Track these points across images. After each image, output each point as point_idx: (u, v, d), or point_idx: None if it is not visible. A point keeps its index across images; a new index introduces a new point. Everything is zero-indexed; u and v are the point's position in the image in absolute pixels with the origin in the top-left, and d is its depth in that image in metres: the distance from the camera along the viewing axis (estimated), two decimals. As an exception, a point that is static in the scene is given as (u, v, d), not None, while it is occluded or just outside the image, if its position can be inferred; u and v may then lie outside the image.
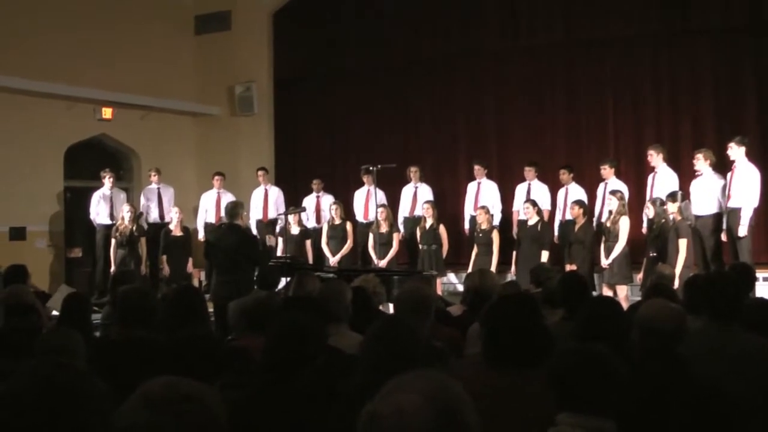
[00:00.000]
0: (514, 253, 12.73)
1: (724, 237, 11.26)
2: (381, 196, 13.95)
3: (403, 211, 14.43)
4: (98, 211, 14.52)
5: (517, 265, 12.49)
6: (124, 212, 13.76)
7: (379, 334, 3.74)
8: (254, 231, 14.70)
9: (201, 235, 15.01)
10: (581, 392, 3.05)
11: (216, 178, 15.27)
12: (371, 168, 13.68)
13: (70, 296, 6.65)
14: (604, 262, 11.51)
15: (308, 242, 14.20)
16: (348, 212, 14.53)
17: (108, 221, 14.32)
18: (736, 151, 11.13)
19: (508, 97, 15.33)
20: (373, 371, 3.52)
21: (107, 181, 14.58)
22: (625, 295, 11.25)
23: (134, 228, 13.70)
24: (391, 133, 16.13)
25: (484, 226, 12.81)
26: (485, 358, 3.89)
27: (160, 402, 1.89)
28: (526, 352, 3.75)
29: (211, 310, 9.25)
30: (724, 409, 3.57)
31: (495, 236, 12.75)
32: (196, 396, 1.94)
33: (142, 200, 15.25)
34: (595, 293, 10.36)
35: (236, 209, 9.99)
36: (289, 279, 9.47)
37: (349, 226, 14.14)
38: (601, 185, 12.78)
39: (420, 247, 13.33)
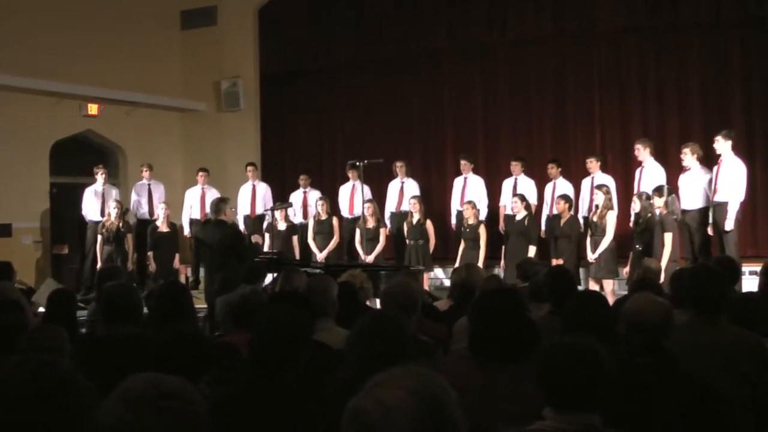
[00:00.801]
0: (503, 248, 12.74)
1: (710, 231, 11.30)
2: (366, 191, 13.96)
3: (390, 206, 14.43)
4: (89, 207, 14.44)
5: (506, 259, 12.49)
6: (111, 208, 13.70)
7: (367, 330, 3.73)
8: (242, 226, 14.73)
9: (186, 231, 15.00)
10: (569, 388, 3.03)
11: (200, 174, 15.23)
12: (357, 163, 13.70)
13: (56, 292, 6.63)
14: (591, 256, 11.53)
15: (295, 238, 14.17)
16: (334, 207, 14.51)
17: (98, 217, 14.22)
18: (722, 145, 11.16)
19: (496, 91, 15.36)
20: (360, 367, 3.52)
21: (100, 177, 14.51)
22: (611, 289, 11.27)
23: (120, 224, 13.64)
24: (378, 129, 16.15)
25: (471, 221, 12.82)
26: (472, 353, 3.89)
27: (140, 399, 1.88)
28: (512, 346, 3.76)
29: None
30: (712, 402, 3.58)
31: (482, 231, 12.75)
32: (177, 392, 1.93)
33: (133, 196, 15.21)
34: (581, 287, 10.39)
35: (220, 205, 9.99)
36: (276, 275, 9.47)
37: (335, 221, 14.11)
38: (587, 179, 12.80)
39: (407, 242, 13.33)
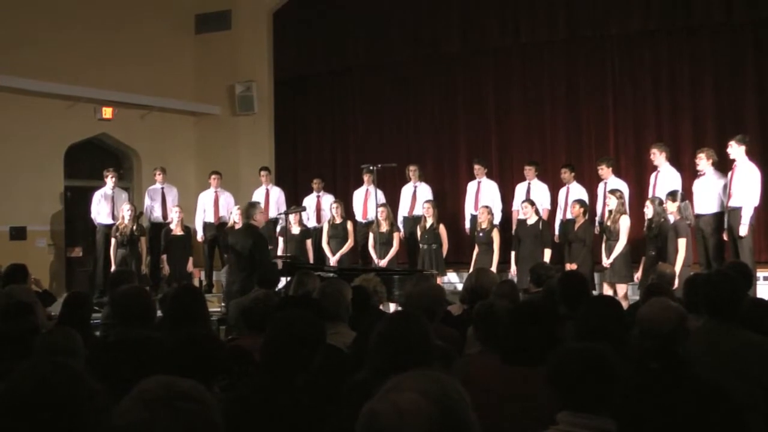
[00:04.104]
0: (513, 252, 12.68)
1: (725, 236, 11.24)
2: (380, 196, 13.95)
3: (403, 211, 14.41)
4: (99, 211, 14.45)
5: (517, 264, 12.45)
6: (125, 211, 13.72)
7: (386, 333, 3.73)
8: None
9: (199, 235, 15.00)
10: (581, 392, 3.05)
11: (213, 177, 15.22)
12: (371, 167, 13.69)
13: (71, 296, 6.64)
14: (605, 261, 11.50)
15: (309, 242, 14.20)
16: (348, 211, 14.51)
17: (109, 221, 14.24)
18: (736, 150, 11.10)
19: (509, 95, 15.33)
20: (378, 370, 3.52)
21: (109, 180, 14.49)
22: (624, 293, 11.25)
23: (134, 227, 13.67)
24: (392, 133, 16.16)
25: (484, 226, 12.80)
26: (502, 355, 3.94)
27: (156, 400, 1.89)
28: (539, 351, 3.78)
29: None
30: (725, 408, 3.56)
31: (495, 235, 12.73)
32: (191, 394, 1.94)
33: (147, 200, 15.23)
34: (595, 292, 10.37)
35: (250, 210, 10.11)
36: (289, 278, 9.50)
37: (349, 225, 14.12)
38: (601, 184, 12.75)
39: (420, 246, 13.32)
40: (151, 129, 16.26)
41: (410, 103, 16.19)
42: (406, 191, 14.48)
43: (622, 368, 3.22)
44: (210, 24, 17.20)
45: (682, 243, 10.48)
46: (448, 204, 15.00)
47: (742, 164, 11.05)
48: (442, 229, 13.30)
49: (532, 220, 12.45)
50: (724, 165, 11.51)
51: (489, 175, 14.22)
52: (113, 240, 13.69)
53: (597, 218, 12.56)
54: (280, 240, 14.13)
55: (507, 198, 14.03)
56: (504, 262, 12.94)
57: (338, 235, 13.99)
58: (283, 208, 14.76)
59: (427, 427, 1.84)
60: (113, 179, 14.57)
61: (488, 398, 3.54)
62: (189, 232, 14.38)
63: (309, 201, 15.10)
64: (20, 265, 8.70)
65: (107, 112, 15.50)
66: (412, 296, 5.51)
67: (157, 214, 15.08)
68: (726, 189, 11.17)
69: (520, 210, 13.12)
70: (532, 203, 12.61)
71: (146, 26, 16.11)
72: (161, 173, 15.15)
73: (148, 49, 16.06)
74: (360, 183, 14.89)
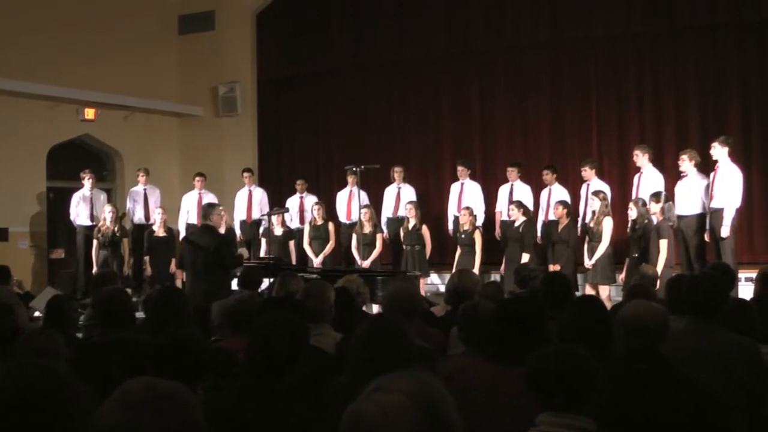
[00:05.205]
0: (505, 254, 12.71)
1: (707, 237, 11.29)
2: (363, 197, 13.93)
3: (387, 212, 14.41)
4: (78, 212, 14.38)
5: (506, 265, 12.46)
6: (106, 213, 13.68)
7: (367, 335, 3.74)
8: (238, 232, 14.72)
9: (182, 237, 14.97)
10: (559, 392, 3.07)
11: (197, 179, 15.17)
12: (354, 168, 13.67)
13: (55, 298, 6.62)
14: (588, 262, 11.53)
15: (292, 243, 14.18)
16: (330, 213, 14.51)
17: (88, 222, 14.21)
18: (719, 151, 11.14)
19: (493, 97, 15.34)
20: (360, 371, 3.52)
21: (87, 182, 14.42)
22: (607, 295, 11.28)
23: (116, 229, 13.63)
24: (375, 134, 16.13)
25: (466, 227, 12.81)
26: (491, 354, 3.95)
27: (138, 402, 1.89)
28: (526, 350, 3.80)
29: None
30: (710, 409, 3.59)
31: (477, 237, 12.74)
32: (174, 396, 1.94)
33: (129, 202, 15.19)
34: (578, 293, 10.39)
35: (207, 210, 10.01)
36: (272, 279, 9.47)
37: (331, 226, 14.11)
38: (584, 186, 12.78)
39: (403, 247, 13.32)
40: (134, 130, 16.21)
41: (394, 104, 16.17)
42: (390, 192, 14.49)
43: (603, 368, 3.24)
44: (193, 25, 17.17)
45: (663, 244, 10.53)
46: (432, 205, 15.00)
47: (725, 165, 11.11)
48: (425, 230, 13.32)
49: (519, 221, 12.46)
50: (707, 166, 11.55)
51: (473, 177, 14.24)
52: (95, 242, 13.66)
53: (580, 219, 12.60)
54: (263, 241, 14.11)
55: (490, 199, 14.03)
56: (487, 263, 12.97)
57: (320, 236, 13.99)
58: (266, 209, 14.72)
59: (411, 427, 1.84)
60: (90, 181, 14.49)
61: (472, 399, 3.55)
62: (172, 233, 14.35)
63: (292, 202, 15.08)
64: (2, 267, 8.68)
65: (89, 113, 15.41)
66: (389, 297, 5.52)
67: (140, 215, 15.04)
68: (708, 190, 11.22)
69: (504, 211, 13.17)
70: (520, 205, 12.61)
71: (129, 27, 16.05)
72: (144, 174, 15.10)
73: (131, 50, 16.01)
74: (344, 184, 14.87)
